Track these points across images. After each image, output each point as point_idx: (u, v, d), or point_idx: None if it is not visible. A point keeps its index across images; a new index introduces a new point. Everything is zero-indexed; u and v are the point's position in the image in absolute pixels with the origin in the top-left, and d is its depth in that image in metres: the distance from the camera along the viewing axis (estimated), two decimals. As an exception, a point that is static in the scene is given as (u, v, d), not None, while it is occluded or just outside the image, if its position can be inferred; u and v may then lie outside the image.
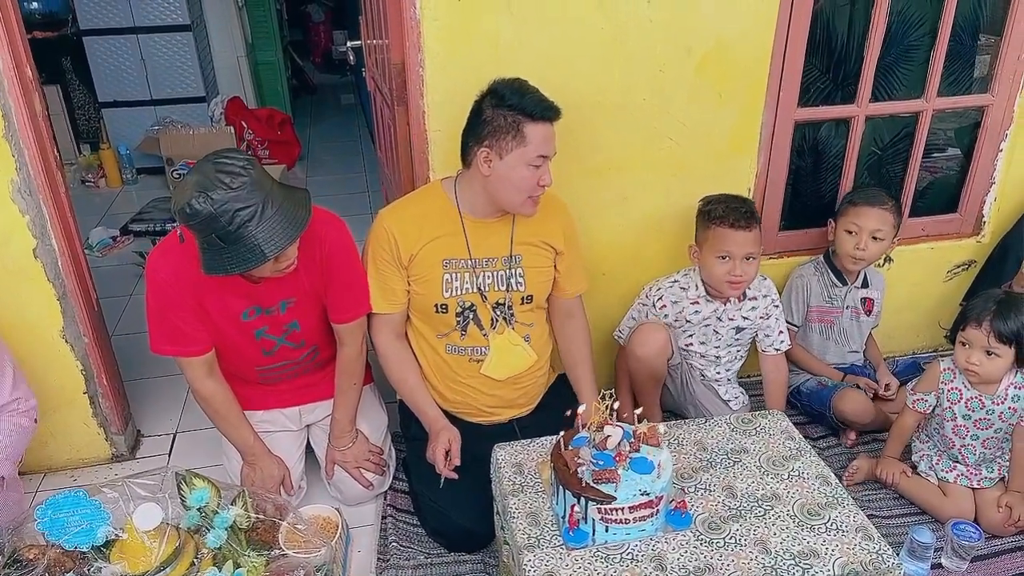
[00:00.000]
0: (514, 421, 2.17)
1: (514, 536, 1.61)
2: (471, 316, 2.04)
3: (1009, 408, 2.03)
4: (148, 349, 1.96)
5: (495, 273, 2.02)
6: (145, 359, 2.70)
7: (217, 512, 1.75)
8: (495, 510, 1.84)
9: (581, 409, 1.64)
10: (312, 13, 7.47)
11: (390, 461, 2.29)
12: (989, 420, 2.05)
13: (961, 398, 2.07)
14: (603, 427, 1.60)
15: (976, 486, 2.11)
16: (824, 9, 2.36)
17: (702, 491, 1.71)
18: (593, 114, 2.17)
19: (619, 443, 1.59)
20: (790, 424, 1.94)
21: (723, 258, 2.19)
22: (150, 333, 1.94)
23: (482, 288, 2.02)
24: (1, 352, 1.96)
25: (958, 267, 2.73)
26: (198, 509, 1.74)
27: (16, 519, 1.79)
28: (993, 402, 2.03)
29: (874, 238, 2.34)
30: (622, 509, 1.53)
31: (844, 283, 2.46)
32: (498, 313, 2.04)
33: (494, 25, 2.01)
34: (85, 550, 1.65)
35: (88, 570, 1.64)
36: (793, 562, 1.53)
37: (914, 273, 2.68)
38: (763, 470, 1.77)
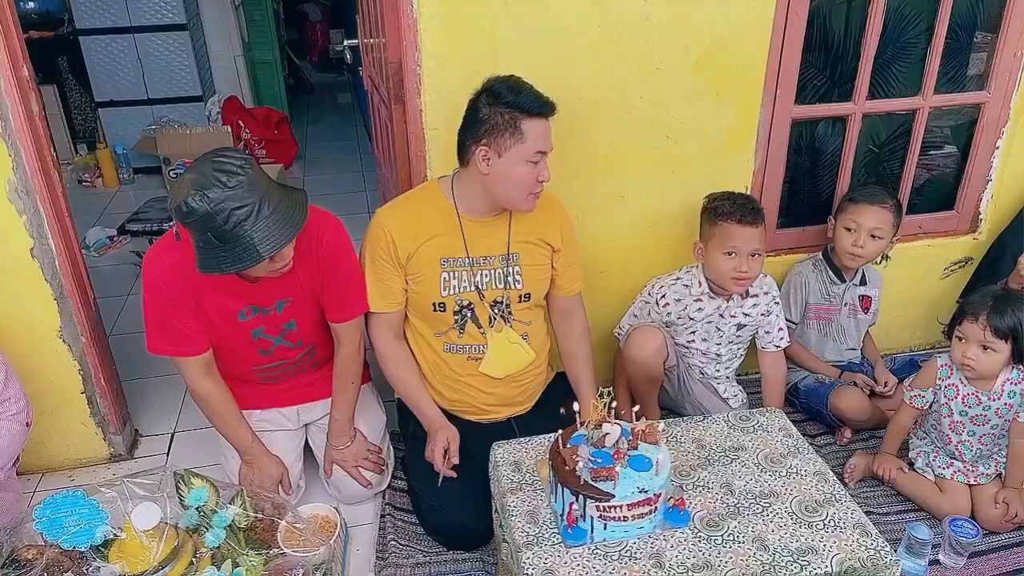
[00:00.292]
0: (512, 419, 2.17)
1: (512, 534, 1.61)
2: (469, 314, 2.04)
3: (1005, 404, 2.04)
4: (146, 349, 1.96)
5: (493, 271, 2.02)
6: (143, 359, 2.70)
7: (216, 511, 1.75)
8: (493, 508, 1.84)
9: (575, 405, 1.64)
10: (309, 12, 7.45)
11: (389, 460, 2.29)
12: (986, 416, 2.06)
13: (958, 394, 2.08)
14: (601, 425, 1.60)
15: (973, 482, 2.12)
16: (821, 7, 2.36)
17: (700, 488, 1.72)
18: (590, 112, 2.17)
19: (617, 441, 1.59)
20: (788, 421, 1.94)
21: (730, 254, 2.19)
22: (147, 332, 1.94)
23: (480, 286, 2.02)
24: None
25: (955, 264, 2.73)
26: (196, 508, 1.74)
27: (14, 519, 1.79)
28: (990, 398, 2.04)
29: (872, 236, 2.34)
30: (620, 507, 1.54)
31: (842, 280, 2.47)
32: (496, 311, 2.04)
33: (491, 23, 2.01)
34: (83, 550, 1.65)
35: (87, 570, 1.64)
36: (791, 559, 1.53)
37: (911, 270, 2.68)
38: (761, 467, 1.78)
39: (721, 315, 2.32)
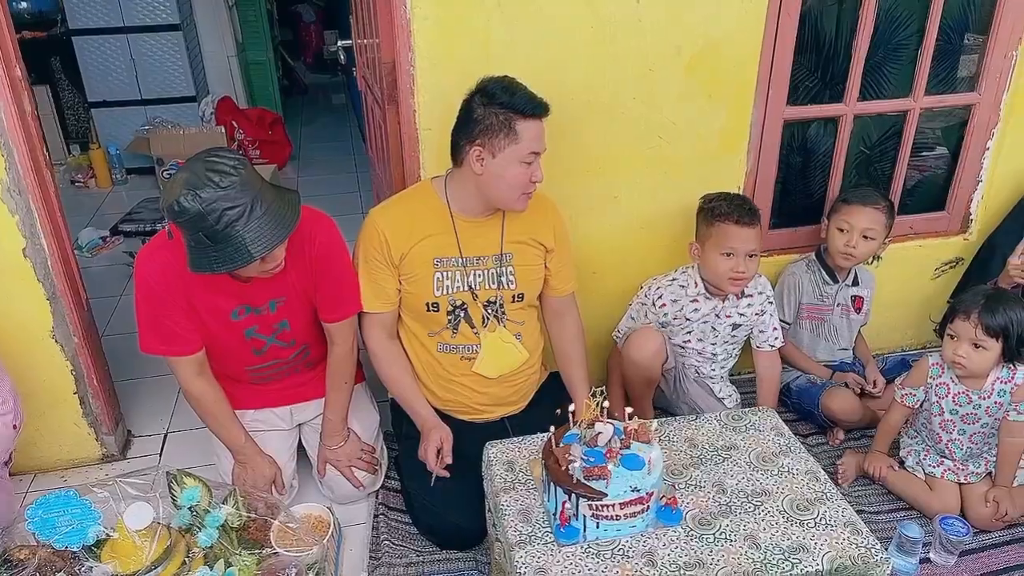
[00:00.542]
0: (506, 419, 2.18)
1: (505, 533, 1.62)
2: (462, 315, 2.04)
3: (995, 403, 2.05)
4: (138, 349, 1.96)
5: (486, 271, 2.03)
6: (136, 359, 2.69)
7: (208, 511, 1.75)
8: (487, 507, 1.84)
9: (571, 407, 1.64)
10: (303, 13, 7.44)
11: (382, 460, 2.29)
12: (976, 415, 2.07)
13: (948, 393, 2.09)
14: (594, 424, 1.61)
15: (963, 481, 2.13)
16: (812, 8, 2.37)
17: (692, 487, 1.72)
18: (583, 113, 2.18)
19: (610, 440, 1.60)
20: (780, 420, 1.95)
21: (727, 255, 2.20)
22: (139, 332, 1.94)
23: (473, 286, 2.02)
24: None
25: (946, 265, 2.75)
26: (189, 508, 1.74)
27: (6, 520, 1.79)
28: (980, 397, 2.05)
29: (865, 237, 2.35)
30: (613, 505, 1.54)
31: (835, 281, 2.48)
32: (489, 311, 2.05)
33: (484, 24, 2.02)
34: (76, 550, 1.65)
35: (79, 570, 1.64)
36: (782, 557, 1.54)
37: (902, 271, 2.70)
38: (753, 466, 1.78)
39: (717, 315, 2.33)
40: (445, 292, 2.01)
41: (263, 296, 1.96)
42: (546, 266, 2.11)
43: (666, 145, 2.29)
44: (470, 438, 2.01)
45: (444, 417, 2.11)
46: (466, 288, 2.02)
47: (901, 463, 2.24)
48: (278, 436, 2.21)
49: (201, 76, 5.10)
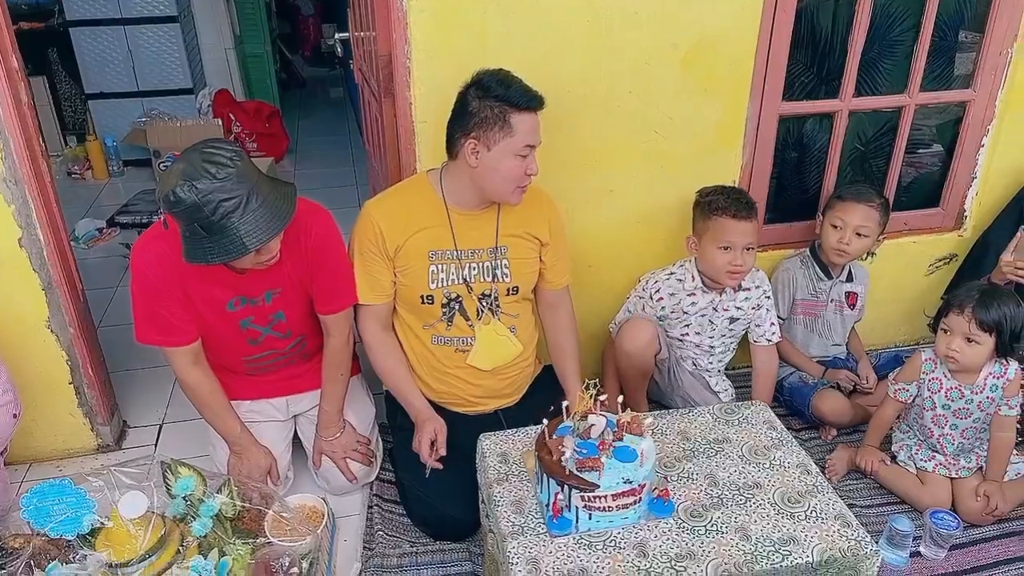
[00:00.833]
0: (500, 411, 2.18)
1: (498, 524, 1.63)
2: (457, 307, 2.05)
3: (988, 398, 2.06)
4: (134, 340, 1.96)
5: (481, 264, 2.03)
6: (132, 351, 2.70)
7: (203, 500, 1.75)
8: (480, 499, 1.85)
9: (564, 403, 1.65)
10: (301, 6, 7.43)
11: (377, 452, 2.29)
12: (968, 410, 2.08)
13: (941, 388, 2.10)
14: (587, 416, 1.62)
15: (954, 476, 2.15)
16: (808, 4, 2.37)
17: (685, 480, 1.73)
18: (579, 107, 2.19)
19: (603, 432, 1.60)
20: (772, 414, 1.96)
21: (725, 248, 2.21)
22: (135, 322, 1.94)
23: (468, 279, 2.03)
24: None
25: (940, 261, 2.76)
26: (183, 497, 1.75)
27: (1, 508, 1.79)
28: (972, 392, 2.06)
29: (858, 234, 2.36)
30: (605, 497, 1.55)
31: (829, 277, 2.49)
32: (484, 304, 2.06)
33: (480, 17, 2.02)
34: (70, 538, 1.65)
35: (73, 558, 1.64)
36: (773, 549, 1.55)
37: (896, 267, 2.71)
38: (745, 459, 1.79)
39: (714, 308, 2.34)
40: (440, 285, 2.02)
41: (259, 287, 1.97)
42: (541, 259, 2.12)
43: (662, 139, 2.30)
44: (464, 430, 2.01)
45: (438, 409, 2.12)
46: (461, 281, 2.02)
47: (893, 458, 2.25)
48: (274, 427, 2.22)
49: (198, 68, 5.10)
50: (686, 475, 1.74)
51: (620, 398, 1.69)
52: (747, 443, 1.84)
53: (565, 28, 2.08)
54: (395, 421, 2.23)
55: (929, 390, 2.12)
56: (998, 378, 2.05)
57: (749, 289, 2.35)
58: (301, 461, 2.29)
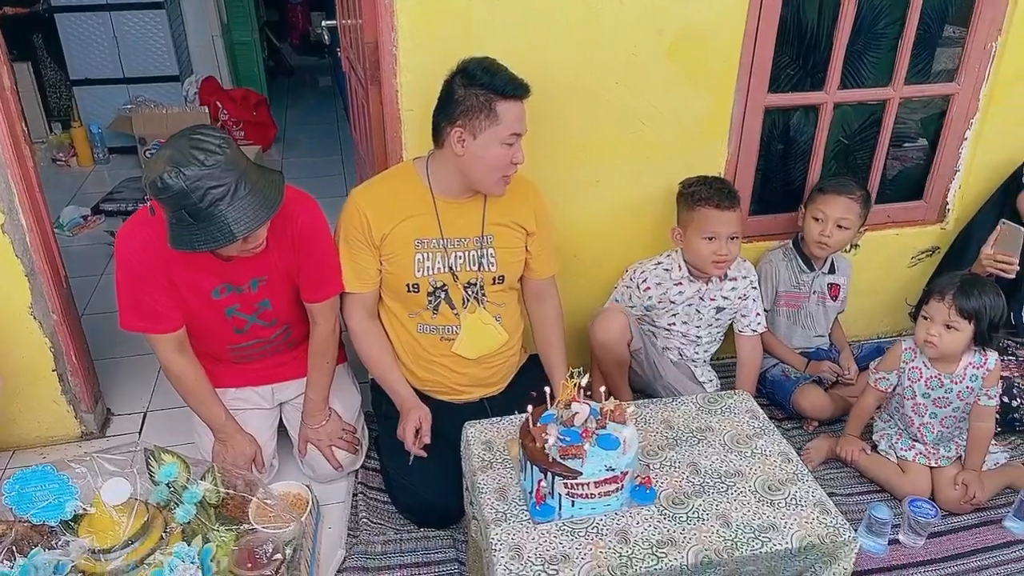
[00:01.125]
0: (485, 400, 2.19)
1: (482, 511, 1.63)
2: (443, 296, 2.05)
3: (967, 388, 2.09)
4: (119, 328, 1.95)
5: (467, 253, 2.03)
6: (116, 339, 2.70)
7: (186, 487, 1.75)
8: (464, 486, 1.86)
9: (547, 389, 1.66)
10: (289, -7, 7.39)
11: (363, 440, 2.30)
12: (947, 399, 2.11)
13: (921, 377, 2.12)
14: (571, 404, 1.62)
15: (934, 464, 2.17)
16: (795, -4, 2.39)
17: (667, 467, 1.74)
18: (566, 96, 2.19)
19: (586, 420, 1.61)
20: (755, 404, 1.97)
21: (709, 239, 2.22)
22: (120, 309, 1.94)
23: (454, 268, 2.03)
24: None
25: (922, 253, 2.78)
26: (167, 484, 1.75)
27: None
28: (952, 381, 2.09)
29: (839, 226, 2.38)
30: (588, 484, 1.56)
31: (812, 269, 2.51)
32: (469, 293, 2.06)
33: (467, 5, 2.02)
34: (53, 525, 1.65)
35: (56, 544, 1.64)
36: (753, 535, 1.56)
37: (879, 259, 2.73)
38: (727, 447, 1.81)
39: (701, 298, 2.36)
40: (426, 273, 2.02)
41: (245, 275, 1.96)
42: (527, 249, 2.12)
43: (648, 130, 2.30)
44: (449, 418, 2.02)
45: (424, 397, 2.12)
46: (446, 269, 2.03)
47: (874, 447, 2.28)
48: (259, 415, 2.22)
49: (185, 55, 5.06)
50: (669, 463, 1.76)
51: (603, 387, 1.69)
52: (729, 432, 1.86)
53: (552, 17, 2.08)
54: (380, 409, 2.23)
55: (909, 379, 2.15)
56: (978, 368, 2.08)
57: (736, 279, 2.37)
58: (286, 449, 2.29)
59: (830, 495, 1.70)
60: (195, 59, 5.20)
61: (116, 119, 4.69)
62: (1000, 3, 2.39)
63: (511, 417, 1.87)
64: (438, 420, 2.06)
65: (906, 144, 2.85)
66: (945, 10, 2.56)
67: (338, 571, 1.94)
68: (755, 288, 2.41)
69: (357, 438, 2.26)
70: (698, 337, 2.43)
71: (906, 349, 2.15)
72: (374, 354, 2.12)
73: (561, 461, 1.55)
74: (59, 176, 4.52)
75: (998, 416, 2.19)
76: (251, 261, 1.92)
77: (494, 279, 2.08)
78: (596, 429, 1.61)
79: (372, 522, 2.07)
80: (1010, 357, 2.46)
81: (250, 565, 1.72)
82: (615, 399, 1.68)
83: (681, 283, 2.34)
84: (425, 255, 2.01)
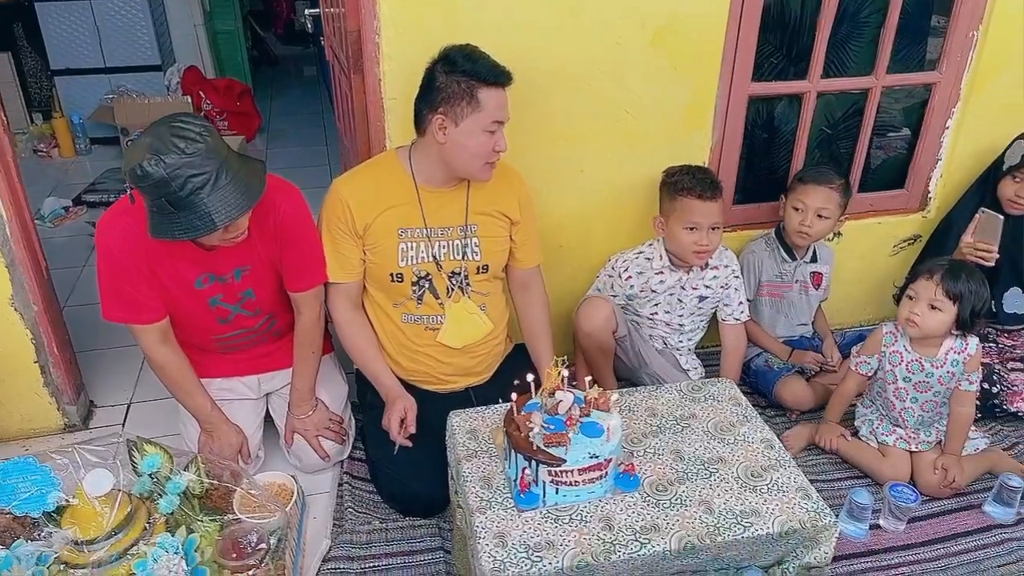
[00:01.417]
0: (470, 389, 2.19)
1: (467, 499, 1.64)
2: (427, 285, 2.05)
3: (948, 372, 2.11)
4: (102, 319, 1.94)
5: (451, 242, 2.03)
6: (99, 330, 2.68)
7: (169, 478, 1.75)
8: (449, 475, 1.87)
9: (529, 376, 1.66)
10: (273, -17, 7.33)
11: (350, 430, 2.30)
12: (928, 383, 2.13)
13: (902, 360, 2.14)
14: (555, 392, 1.63)
15: (914, 449, 2.19)
16: (778, -16, 2.39)
17: (651, 455, 1.75)
18: (550, 85, 2.18)
19: (570, 408, 1.62)
20: (738, 392, 1.98)
21: (691, 229, 2.23)
22: (101, 300, 1.92)
23: (437, 257, 2.03)
24: None
25: (904, 242, 2.80)
26: (150, 475, 1.74)
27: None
28: (933, 365, 2.11)
29: (819, 216, 2.39)
30: (572, 471, 1.57)
31: (793, 258, 2.52)
32: (454, 282, 2.06)
33: (450, -7, 2.01)
34: (35, 516, 1.64)
35: (38, 535, 1.63)
36: (735, 520, 1.58)
37: (861, 247, 2.75)
38: (710, 435, 1.82)
39: (682, 287, 2.37)
40: (409, 263, 2.02)
41: (228, 264, 1.95)
42: (512, 238, 2.12)
43: (632, 119, 2.31)
44: (434, 407, 2.02)
45: (408, 387, 2.12)
46: (430, 259, 2.02)
47: (855, 433, 2.30)
48: (245, 405, 2.21)
49: (167, 45, 5.01)
50: (652, 450, 1.77)
51: (588, 378, 1.70)
52: (713, 419, 1.87)
53: (536, 5, 2.08)
54: (365, 399, 2.23)
55: (890, 363, 2.16)
56: (959, 353, 2.10)
57: (717, 268, 2.38)
58: (272, 439, 2.29)
59: (812, 481, 1.72)
60: (177, 48, 5.16)
61: (98, 109, 4.65)
62: (982, -8, 2.41)
63: (496, 406, 1.88)
64: (423, 410, 2.06)
65: (889, 133, 2.87)
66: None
67: (323, 561, 1.94)
68: (737, 277, 2.42)
69: (344, 428, 2.26)
70: (681, 326, 2.44)
71: (887, 333, 2.17)
72: (358, 344, 2.12)
73: (545, 449, 1.56)
74: (40, 167, 4.48)
75: (978, 403, 2.22)
76: (234, 251, 1.91)
77: (478, 268, 2.08)
78: (580, 417, 1.62)
79: (358, 512, 2.07)
80: (991, 344, 2.49)
81: (235, 555, 1.72)
82: (599, 387, 1.69)
83: (662, 272, 2.35)
84: (408, 244, 2.00)
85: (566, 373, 1.62)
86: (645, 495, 1.64)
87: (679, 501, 1.63)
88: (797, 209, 2.41)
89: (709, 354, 2.64)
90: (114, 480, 1.65)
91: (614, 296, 2.42)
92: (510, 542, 1.52)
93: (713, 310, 2.47)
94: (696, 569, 1.61)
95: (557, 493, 1.59)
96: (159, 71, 4.81)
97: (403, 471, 2.02)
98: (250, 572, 1.72)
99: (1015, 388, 2.40)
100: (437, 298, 2.06)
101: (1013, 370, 2.44)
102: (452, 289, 2.06)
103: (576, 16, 2.11)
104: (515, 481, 1.62)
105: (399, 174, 1.98)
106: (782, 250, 2.51)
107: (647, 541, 1.53)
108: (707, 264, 2.36)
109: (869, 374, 2.22)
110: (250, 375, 2.22)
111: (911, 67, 2.63)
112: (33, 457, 1.66)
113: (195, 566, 1.68)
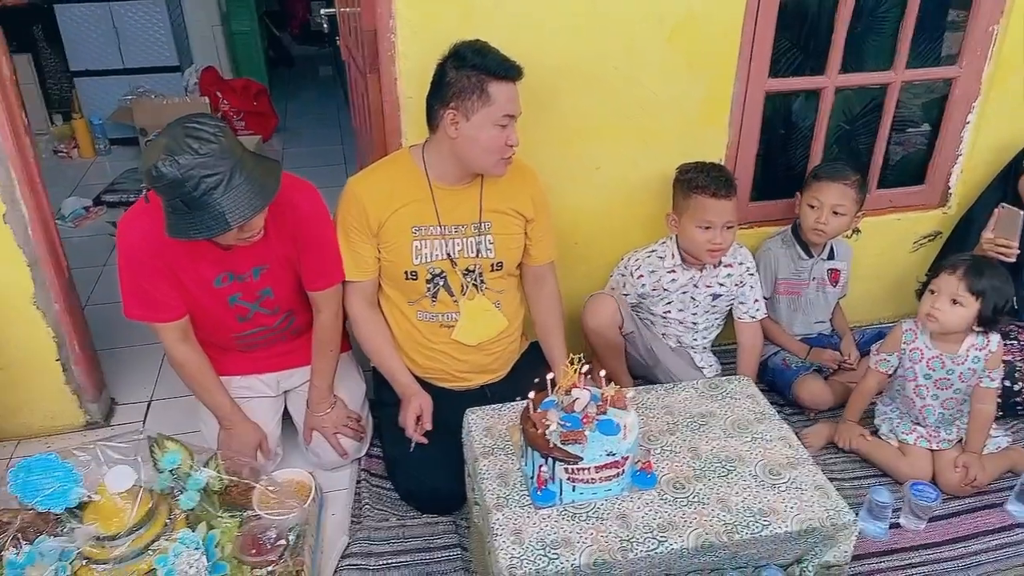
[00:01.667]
0: (486, 387, 2.20)
1: (484, 496, 1.65)
2: (441, 283, 2.05)
3: (969, 369, 2.08)
4: (123, 318, 1.96)
5: (465, 240, 2.04)
6: (120, 328, 2.71)
7: (190, 474, 1.77)
8: (466, 472, 1.87)
9: (549, 376, 1.67)
10: (289, -17, 7.36)
11: (368, 428, 2.31)
12: (949, 380, 2.11)
13: (922, 358, 2.12)
14: (571, 390, 1.63)
15: (935, 447, 2.17)
16: (795, -20, 2.37)
17: (668, 452, 1.75)
18: (566, 82, 2.18)
19: (586, 405, 1.62)
20: (756, 389, 1.97)
21: (705, 227, 2.22)
22: (123, 298, 1.94)
23: (452, 255, 2.03)
24: None
25: (924, 238, 2.78)
26: (170, 471, 1.76)
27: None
28: (954, 362, 2.08)
29: (835, 213, 2.36)
30: (588, 469, 1.57)
31: (810, 256, 2.50)
32: (468, 279, 2.06)
33: (465, -9, 2.01)
34: (58, 512, 1.66)
35: (61, 531, 1.66)
36: (753, 519, 1.57)
37: (881, 244, 2.72)
38: (728, 433, 1.81)
39: (695, 285, 2.36)
40: (424, 260, 2.02)
41: (246, 263, 1.97)
42: (526, 235, 2.12)
43: (648, 115, 2.30)
44: (450, 405, 2.02)
45: (425, 385, 2.13)
46: (445, 256, 2.03)
47: (874, 431, 2.28)
48: (264, 403, 2.23)
49: (185, 46, 5.06)
50: (669, 448, 1.76)
51: (603, 372, 1.70)
52: (730, 417, 1.86)
53: (552, 4, 2.07)
54: (381, 396, 2.24)
55: (911, 360, 2.14)
56: (980, 350, 2.07)
57: (731, 265, 2.37)
58: (291, 437, 2.30)
59: (831, 479, 1.71)
60: (195, 49, 5.20)
61: (117, 110, 4.69)
62: (1002, -15, 2.38)
63: (512, 404, 1.88)
64: (439, 407, 2.07)
65: (908, 128, 2.84)
66: (947, -7, 2.55)
67: (342, 557, 1.96)
68: (752, 274, 2.41)
69: (362, 425, 2.27)
70: (695, 324, 2.43)
71: (907, 330, 2.15)
72: (374, 342, 2.13)
73: (562, 447, 1.56)
74: (61, 168, 4.53)
75: (1000, 400, 2.19)
76: (251, 249, 1.92)
77: (492, 265, 2.08)
78: (596, 415, 1.62)
79: (375, 508, 2.08)
80: (1012, 341, 2.46)
81: (254, 551, 1.74)
82: (615, 385, 1.69)
83: (674, 271, 2.34)
84: (423, 242, 2.01)
85: (584, 369, 1.62)
86: (662, 493, 1.64)
87: (696, 499, 1.62)
88: (812, 206, 2.39)
89: (725, 351, 2.63)
90: (135, 476, 1.67)
91: (626, 295, 2.41)
92: (527, 539, 1.52)
93: (728, 308, 2.46)
94: (714, 567, 1.61)
95: (574, 490, 1.59)
96: (177, 72, 4.85)
97: (420, 468, 2.03)
98: (269, 568, 1.73)
99: (1037, 386, 2.37)
100: (452, 296, 2.07)
101: (1035, 367, 2.42)
102: (467, 287, 2.07)
103: (593, 14, 2.11)
104: (532, 478, 1.62)
105: (413, 172, 1.99)
106: (799, 247, 2.49)
107: (664, 539, 1.52)
108: (720, 262, 2.35)
109: (889, 372, 2.20)
110: (269, 373, 2.23)
111: (930, 62, 2.60)
112: (55, 454, 1.68)
113: (215, 561, 1.70)
